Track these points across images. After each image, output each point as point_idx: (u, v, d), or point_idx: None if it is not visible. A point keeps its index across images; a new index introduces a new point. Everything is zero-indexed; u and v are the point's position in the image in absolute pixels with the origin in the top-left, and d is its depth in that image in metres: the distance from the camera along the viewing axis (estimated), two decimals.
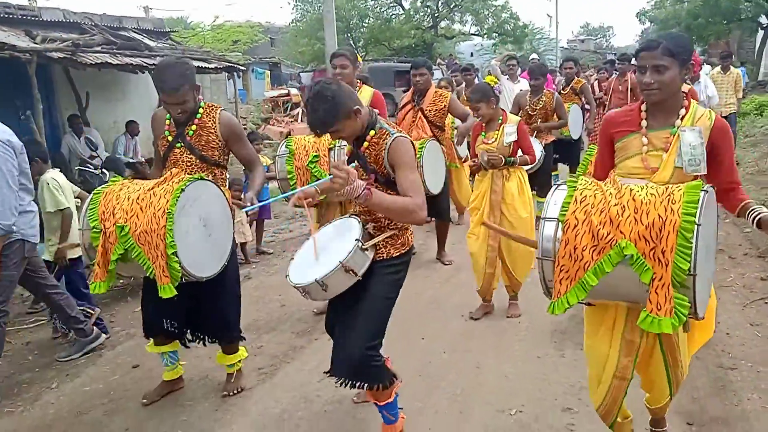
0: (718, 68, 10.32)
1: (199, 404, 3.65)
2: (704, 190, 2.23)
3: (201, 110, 3.48)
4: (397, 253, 2.90)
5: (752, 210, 2.47)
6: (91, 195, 3.29)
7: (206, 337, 3.72)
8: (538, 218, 8.38)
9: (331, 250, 2.82)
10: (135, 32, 11.33)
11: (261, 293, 5.54)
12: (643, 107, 2.56)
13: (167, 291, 3.04)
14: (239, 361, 3.78)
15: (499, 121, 4.60)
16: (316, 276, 2.65)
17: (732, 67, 10.35)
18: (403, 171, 2.75)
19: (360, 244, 2.72)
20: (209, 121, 3.48)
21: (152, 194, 3.12)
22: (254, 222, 6.93)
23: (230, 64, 11.36)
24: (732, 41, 25.79)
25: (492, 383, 3.71)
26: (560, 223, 2.35)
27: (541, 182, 6.61)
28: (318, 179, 4.35)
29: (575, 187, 2.41)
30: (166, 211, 3.03)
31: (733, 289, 5.04)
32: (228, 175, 3.70)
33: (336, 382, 2.89)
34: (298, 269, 2.83)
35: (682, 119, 2.50)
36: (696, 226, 2.14)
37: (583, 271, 2.29)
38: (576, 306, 3.69)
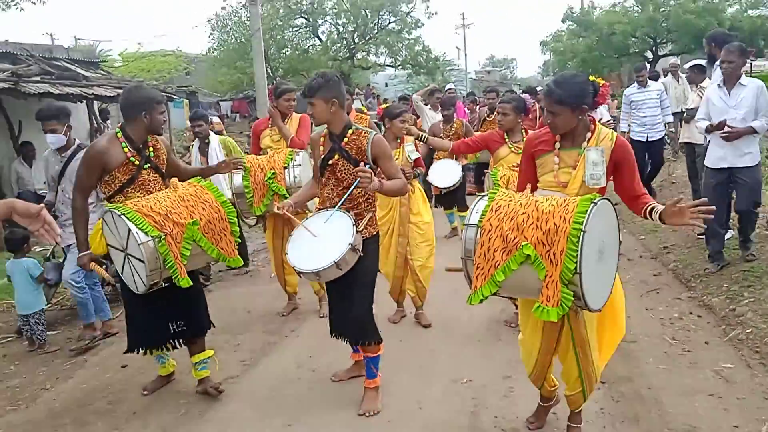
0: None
1: (194, 389, 4.07)
2: (594, 203, 2.59)
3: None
4: (375, 232, 3.70)
5: (653, 208, 2.89)
6: (121, 215, 3.40)
7: (181, 340, 4.00)
8: (456, 229, 9.25)
9: (329, 237, 3.40)
10: (66, 62, 11.50)
11: (225, 303, 5.99)
12: None
13: (236, 262, 3.86)
14: (207, 362, 4.01)
15: (398, 141, 5.09)
16: (333, 258, 3.28)
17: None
18: (387, 161, 3.60)
19: (356, 227, 3.42)
20: (156, 143, 3.90)
21: (190, 195, 3.69)
22: None
23: (167, 94, 11.72)
24: (623, 74, 28.16)
25: (444, 361, 4.41)
26: (478, 229, 2.80)
27: (459, 198, 7.82)
28: (275, 193, 5.07)
29: (493, 198, 2.86)
30: (220, 202, 3.76)
31: (631, 284, 5.99)
32: None
33: (344, 340, 3.78)
34: (300, 260, 3.40)
35: (588, 141, 2.94)
36: (582, 233, 2.53)
37: (494, 269, 2.72)
38: (505, 300, 4.59)
